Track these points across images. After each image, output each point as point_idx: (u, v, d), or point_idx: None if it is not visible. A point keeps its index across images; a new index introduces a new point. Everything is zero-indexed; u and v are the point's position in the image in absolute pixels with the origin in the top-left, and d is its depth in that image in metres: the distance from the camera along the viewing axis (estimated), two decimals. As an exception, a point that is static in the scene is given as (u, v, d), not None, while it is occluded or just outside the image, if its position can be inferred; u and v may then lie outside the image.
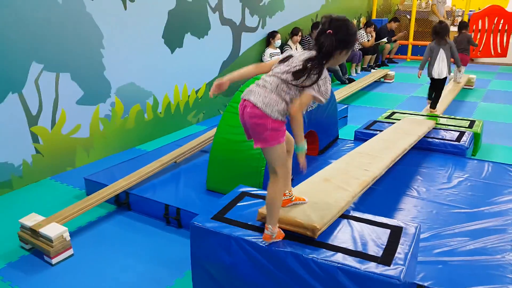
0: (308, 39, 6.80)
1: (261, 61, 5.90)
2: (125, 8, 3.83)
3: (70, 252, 2.39)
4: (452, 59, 4.52)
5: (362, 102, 6.08)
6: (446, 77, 4.45)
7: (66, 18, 3.35)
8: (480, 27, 8.59)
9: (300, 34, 6.25)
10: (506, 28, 8.42)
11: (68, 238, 2.36)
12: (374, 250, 1.62)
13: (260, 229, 1.80)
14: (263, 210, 1.82)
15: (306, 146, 1.71)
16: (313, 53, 1.63)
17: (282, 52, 6.13)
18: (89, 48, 3.58)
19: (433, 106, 4.60)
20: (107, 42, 3.71)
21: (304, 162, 1.71)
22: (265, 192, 2.17)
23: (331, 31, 1.59)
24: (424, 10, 10.12)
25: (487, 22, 8.54)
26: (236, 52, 5.47)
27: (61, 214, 2.53)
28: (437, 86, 4.54)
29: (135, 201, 2.88)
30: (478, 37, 8.60)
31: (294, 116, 1.63)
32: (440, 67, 4.40)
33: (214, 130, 3.40)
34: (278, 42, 5.84)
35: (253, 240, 1.72)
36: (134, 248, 2.48)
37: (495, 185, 2.89)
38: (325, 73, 1.64)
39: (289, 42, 6.32)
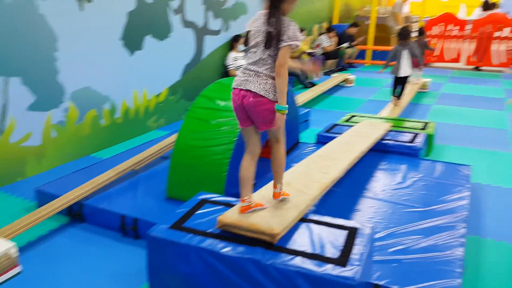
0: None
1: (224, 65, 5.91)
2: (82, 9, 3.73)
3: (17, 269, 2.24)
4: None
5: (324, 106, 6.21)
6: (408, 76, 5.17)
7: (16, 19, 3.21)
8: (435, 33, 8.99)
9: (262, 38, 6.29)
10: (458, 34, 8.86)
11: (16, 254, 2.21)
12: (331, 252, 1.66)
13: (220, 236, 1.80)
14: (223, 217, 1.83)
15: (286, 106, 1.81)
16: (265, 11, 1.78)
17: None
18: (41, 51, 3.45)
19: (399, 97, 5.32)
20: (62, 44, 3.59)
21: (282, 124, 1.85)
22: (227, 198, 2.20)
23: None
24: (383, 16, 10.47)
25: (441, 28, 8.95)
26: (199, 55, 5.44)
27: (9, 228, 2.39)
28: (401, 83, 5.23)
29: (90, 212, 2.77)
30: (434, 42, 9.00)
31: (278, 72, 1.73)
32: (404, 66, 5.07)
33: (175, 135, 3.37)
34: (241, 46, 5.87)
35: (212, 248, 1.72)
36: (89, 262, 2.38)
37: (446, 184, 3.03)
38: (285, 20, 1.76)
39: (251, 46, 6.36)
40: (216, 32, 5.69)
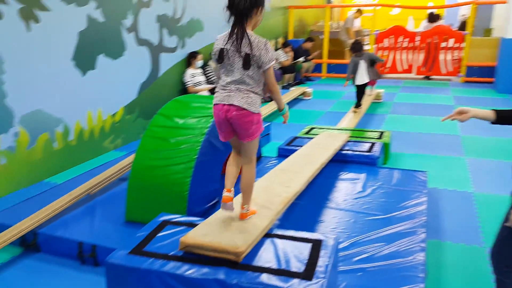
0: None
1: (182, 82, 5.86)
2: (29, 30, 3.58)
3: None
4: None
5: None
6: (366, 83, 5.72)
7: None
8: (386, 45, 9.37)
9: (219, 54, 6.31)
10: (409, 46, 9.27)
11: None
12: (297, 266, 1.65)
13: (183, 258, 1.75)
14: (185, 238, 1.77)
15: (287, 107, 2.15)
16: (234, 29, 1.84)
17: (204, 73, 6.14)
18: (-13, 74, 3.28)
19: (358, 105, 5.85)
20: (8, 66, 3.43)
21: (287, 118, 2.22)
22: (189, 218, 2.15)
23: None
24: (336, 30, 10.81)
25: (391, 40, 9.34)
26: (155, 73, 5.36)
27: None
28: (360, 90, 5.77)
29: (45, 241, 2.61)
30: (386, 54, 9.37)
31: (273, 90, 1.99)
32: (362, 75, 5.62)
33: (133, 156, 3.27)
34: (199, 62, 5.85)
35: (175, 271, 1.66)
36: (46, 294, 2.25)
37: (404, 190, 3.12)
38: (259, 40, 1.85)
39: (210, 62, 6.36)
40: (172, 50, 5.65)
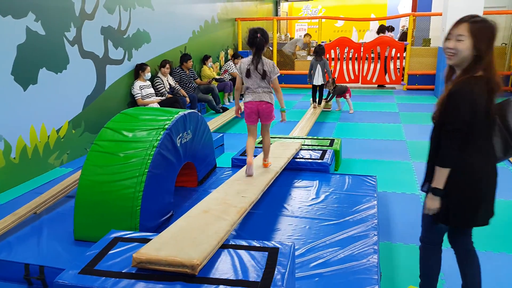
0: (179, 71, 6.82)
1: (131, 94, 5.71)
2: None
3: None
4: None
5: (237, 130, 6.28)
6: (323, 83, 6.75)
7: None
8: (333, 56, 9.69)
9: (168, 66, 6.24)
10: (356, 56, 9.65)
11: None
12: (254, 275, 1.64)
13: (137, 275, 1.68)
14: (138, 254, 1.71)
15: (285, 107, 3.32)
16: (252, 56, 3.03)
17: (152, 84, 6.03)
18: None
19: (320, 103, 6.91)
20: None
21: (285, 117, 3.38)
22: (142, 234, 2.08)
23: (259, 35, 2.97)
24: (284, 42, 11.06)
25: (338, 51, 9.68)
26: (101, 86, 5.19)
27: None
28: (318, 90, 6.88)
29: (-13, 265, 2.43)
30: (333, 65, 9.68)
31: (277, 90, 3.22)
32: (319, 77, 6.72)
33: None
34: (148, 74, 5.73)
35: (128, 288, 1.59)
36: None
37: (356, 195, 3.20)
38: (269, 61, 3.08)
39: (159, 74, 6.26)
40: (119, 62, 5.50)
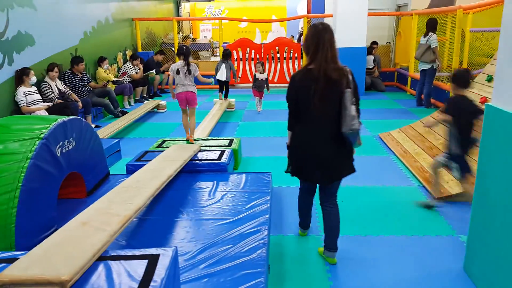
0: (70, 74, 6.40)
1: (15, 101, 5.22)
2: None
3: None
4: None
5: (137, 134, 6.09)
6: (227, 80, 7.46)
7: None
8: (235, 57, 9.84)
9: (56, 69, 5.82)
10: (257, 57, 9.90)
11: None
12: (130, 285, 1.61)
13: (1, 298, 1.55)
14: (1, 275, 1.58)
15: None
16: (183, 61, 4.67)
17: (39, 89, 5.58)
18: None
19: (226, 97, 7.59)
20: None
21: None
22: (12, 253, 1.92)
23: (185, 48, 4.69)
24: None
25: (240, 52, 9.86)
26: (-24, 94, 4.68)
27: None
28: (223, 85, 7.56)
29: None
30: (236, 65, 9.84)
31: (200, 78, 4.98)
32: (223, 73, 7.38)
33: None
34: (33, 79, 5.29)
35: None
36: None
37: (250, 192, 3.31)
38: (193, 63, 4.79)
39: (47, 79, 5.81)
40: (-3, 67, 5.00)
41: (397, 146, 5.02)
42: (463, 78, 3.25)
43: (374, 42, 9.33)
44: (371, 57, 9.13)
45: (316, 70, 2.37)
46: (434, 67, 6.98)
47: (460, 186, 3.53)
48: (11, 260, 1.83)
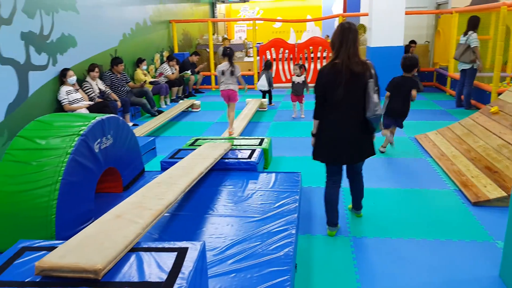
0: (109, 74, 6.66)
1: (57, 100, 5.50)
2: None
3: None
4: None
5: (172, 132, 6.25)
6: (268, 89, 7.73)
7: None
8: (269, 57, 9.88)
9: (97, 70, 6.08)
10: (291, 57, 9.90)
11: None
12: (159, 276, 1.68)
13: (41, 283, 1.66)
14: (40, 262, 1.69)
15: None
16: (228, 63, 5.30)
17: (81, 87, 5.85)
18: None
19: (271, 102, 7.96)
20: None
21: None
22: (51, 242, 2.04)
23: (229, 49, 5.35)
24: (221, 43, 11.12)
25: (273, 52, 9.89)
26: (24, 93, 4.95)
27: None
28: (265, 93, 7.78)
29: None
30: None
31: (241, 80, 5.48)
32: (263, 83, 7.58)
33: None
34: (71, 79, 5.53)
35: (28, 298, 1.57)
36: None
37: (279, 191, 3.33)
38: (236, 65, 5.42)
39: (88, 79, 6.08)
40: (42, 67, 5.28)
41: (433, 148, 4.88)
42: (409, 65, 4.50)
43: (412, 41, 9.10)
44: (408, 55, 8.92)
45: (340, 64, 2.70)
46: (474, 67, 6.73)
47: (498, 190, 3.41)
48: (50, 248, 1.95)
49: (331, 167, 3.00)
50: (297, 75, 6.71)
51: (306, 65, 9.49)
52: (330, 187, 3.04)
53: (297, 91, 6.71)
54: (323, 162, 2.97)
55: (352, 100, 2.75)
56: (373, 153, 2.95)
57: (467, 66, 6.78)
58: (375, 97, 2.70)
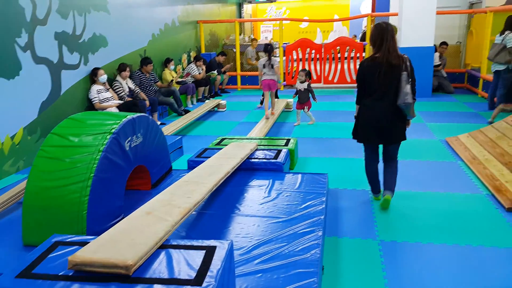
0: (139, 74, 6.79)
1: (88, 98, 5.65)
2: None
3: None
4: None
5: (198, 132, 6.31)
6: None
7: None
8: (295, 57, 9.85)
9: (127, 69, 6.21)
10: (317, 57, 9.82)
11: None
12: (189, 273, 1.69)
13: (73, 277, 1.71)
14: (73, 257, 1.73)
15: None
16: (268, 57, 6.40)
17: (111, 87, 5.99)
18: None
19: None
20: None
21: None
22: (83, 237, 2.09)
23: (269, 46, 6.41)
24: (248, 44, 11.14)
25: (300, 52, 9.84)
26: (56, 91, 5.12)
27: None
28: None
29: None
30: (295, 65, 9.84)
31: (278, 72, 6.51)
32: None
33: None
34: (102, 78, 5.68)
35: (62, 291, 1.62)
36: None
37: (305, 192, 3.31)
38: (274, 58, 6.54)
39: (118, 78, 6.21)
40: (74, 66, 5.43)
41: (465, 151, 4.74)
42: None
43: (443, 43, 8.87)
44: (437, 54, 8.69)
45: (380, 58, 3.13)
46: (510, 68, 6.50)
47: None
48: (82, 244, 2.00)
49: (367, 146, 3.46)
50: (301, 82, 6.27)
51: (328, 64, 9.41)
52: (368, 164, 3.52)
53: (301, 99, 6.29)
54: (359, 142, 3.46)
55: (387, 89, 3.15)
56: (404, 138, 3.30)
57: (501, 67, 6.56)
58: (407, 88, 3.06)
